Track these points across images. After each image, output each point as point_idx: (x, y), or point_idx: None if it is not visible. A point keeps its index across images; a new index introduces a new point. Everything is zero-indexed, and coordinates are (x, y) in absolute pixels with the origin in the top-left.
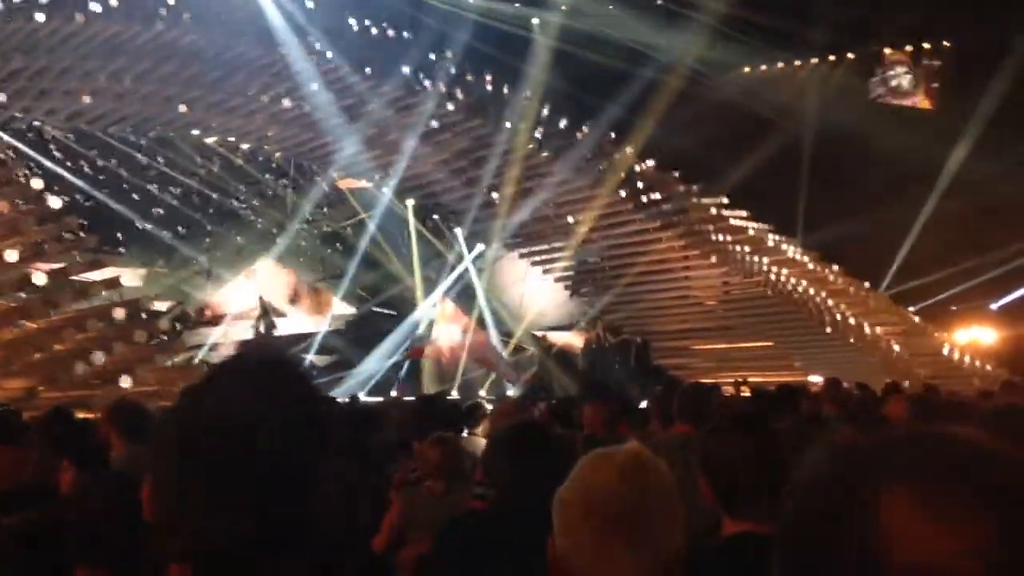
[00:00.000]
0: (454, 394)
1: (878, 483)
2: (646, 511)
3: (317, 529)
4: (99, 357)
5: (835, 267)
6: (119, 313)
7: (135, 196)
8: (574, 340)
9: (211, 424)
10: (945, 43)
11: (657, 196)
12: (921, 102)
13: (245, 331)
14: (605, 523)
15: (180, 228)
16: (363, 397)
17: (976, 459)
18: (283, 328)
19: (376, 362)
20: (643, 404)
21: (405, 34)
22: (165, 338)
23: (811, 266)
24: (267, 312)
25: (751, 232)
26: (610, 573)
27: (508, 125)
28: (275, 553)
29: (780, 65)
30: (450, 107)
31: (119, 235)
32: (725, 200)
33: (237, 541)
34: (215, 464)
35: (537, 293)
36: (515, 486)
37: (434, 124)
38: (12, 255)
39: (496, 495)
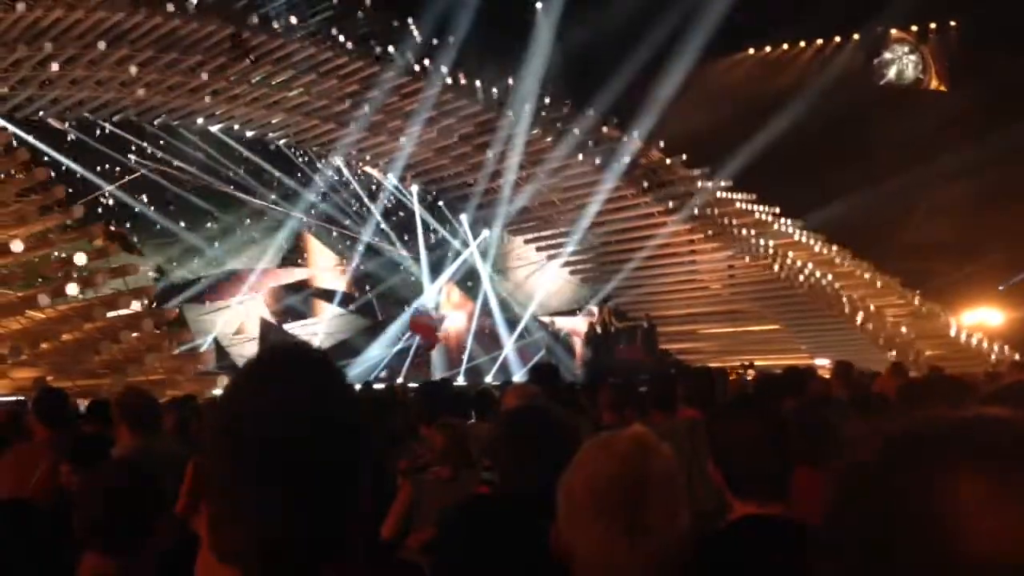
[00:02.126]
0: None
1: (951, 467)
2: (648, 496)
3: (359, 525)
4: (107, 346)
5: (841, 249)
6: (126, 302)
7: (141, 185)
8: (580, 325)
9: (262, 423)
10: (951, 23)
11: (662, 180)
12: (927, 82)
13: (252, 317)
14: (607, 508)
15: (186, 216)
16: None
17: None
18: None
19: (381, 349)
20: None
21: (408, 20)
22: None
23: (817, 248)
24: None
25: (757, 215)
26: (613, 558)
27: (511, 110)
28: (324, 548)
29: (784, 47)
30: (452, 93)
31: (126, 224)
32: (730, 183)
33: (287, 538)
34: (267, 461)
35: (544, 278)
36: (518, 471)
37: (437, 110)
38: (18, 245)
39: (500, 480)
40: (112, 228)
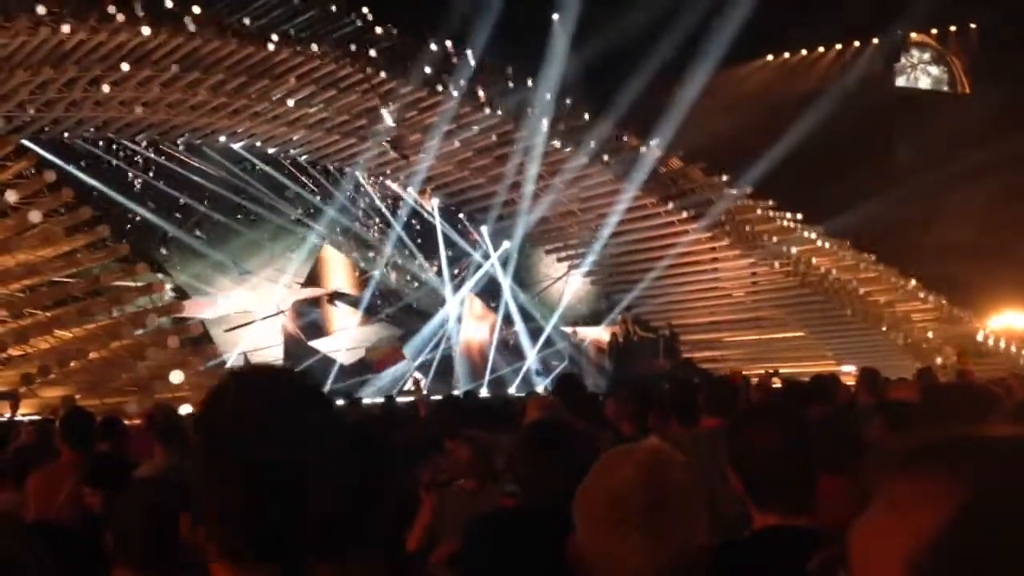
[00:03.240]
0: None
1: None
2: (665, 507)
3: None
4: (134, 364)
5: (865, 254)
6: (152, 320)
7: (166, 204)
8: (603, 335)
9: (243, 436)
10: (971, 25)
11: (682, 188)
12: (948, 84)
13: (275, 332)
14: (624, 520)
15: (209, 234)
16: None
17: None
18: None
19: (403, 362)
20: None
21: (425, 34)
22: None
23: (841, 254)
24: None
25: (779, 222)
26: (630, 570)
27: (530, 121)
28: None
29: (803, 52)
30: (471, 105)
31: (151, 243)
32: (751, 190)
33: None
34: (248, 471)
35: (565, 288)
36: (538, 483)
37: (455, 123)
38: (45, 265)
39: (522, 492)
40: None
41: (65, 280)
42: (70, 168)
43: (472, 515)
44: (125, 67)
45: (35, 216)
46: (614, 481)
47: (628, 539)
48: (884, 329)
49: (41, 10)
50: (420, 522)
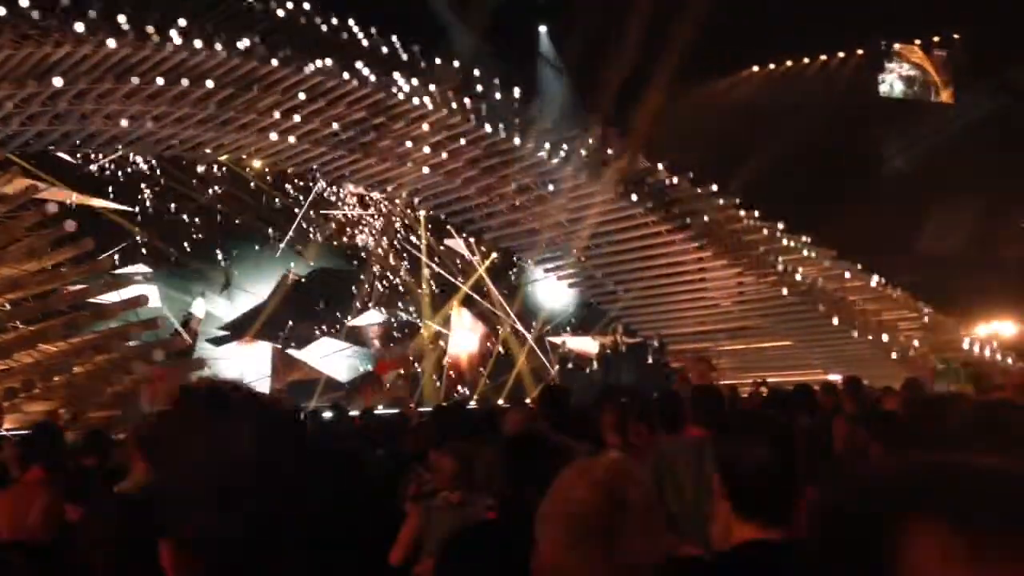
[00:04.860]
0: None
1: (906, 518)
2: (624, 522)
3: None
4: (120, 378)
5: (851, 263)
6: (136, 333)
7: (151, 217)
8: (591, 346)
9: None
10: (955, 36)
11: (670, 198)
12: (933, 95)
13: (262, 347)
14: (582, 535)
15: (197, 248)
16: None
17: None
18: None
19: (391, 373)
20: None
21: (413, 45)
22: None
23: (827, 263)
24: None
25: (765, 231)
26: None
27: (519, 132)
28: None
29: (788, 63)
30: (459, 116)
31: (137, 256)
32: (738, 200)
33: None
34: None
35: (553, 299)
36: (513, 496)
37: (444, 134)
38: (29, 279)
39: (498, 505)
40: None
41: (50, 292)
42: (55, 181)
43: (456, 527)
44: (110, 80)
45: (18, 230)
46: (571, 498)
47: (586, 555)
48: (870, 338)
49: (26, 24)
50: (403, 535)
